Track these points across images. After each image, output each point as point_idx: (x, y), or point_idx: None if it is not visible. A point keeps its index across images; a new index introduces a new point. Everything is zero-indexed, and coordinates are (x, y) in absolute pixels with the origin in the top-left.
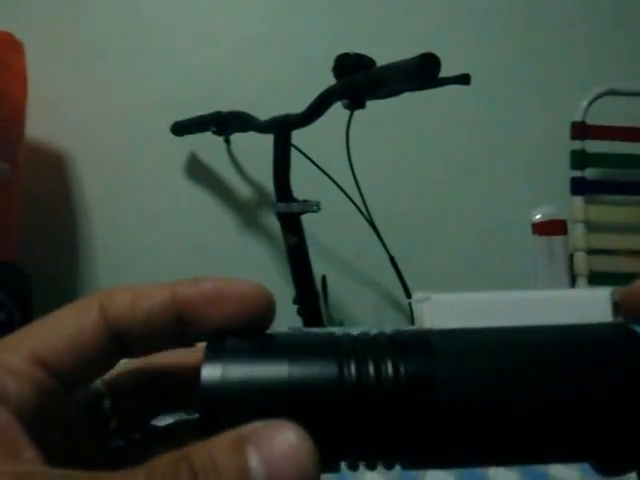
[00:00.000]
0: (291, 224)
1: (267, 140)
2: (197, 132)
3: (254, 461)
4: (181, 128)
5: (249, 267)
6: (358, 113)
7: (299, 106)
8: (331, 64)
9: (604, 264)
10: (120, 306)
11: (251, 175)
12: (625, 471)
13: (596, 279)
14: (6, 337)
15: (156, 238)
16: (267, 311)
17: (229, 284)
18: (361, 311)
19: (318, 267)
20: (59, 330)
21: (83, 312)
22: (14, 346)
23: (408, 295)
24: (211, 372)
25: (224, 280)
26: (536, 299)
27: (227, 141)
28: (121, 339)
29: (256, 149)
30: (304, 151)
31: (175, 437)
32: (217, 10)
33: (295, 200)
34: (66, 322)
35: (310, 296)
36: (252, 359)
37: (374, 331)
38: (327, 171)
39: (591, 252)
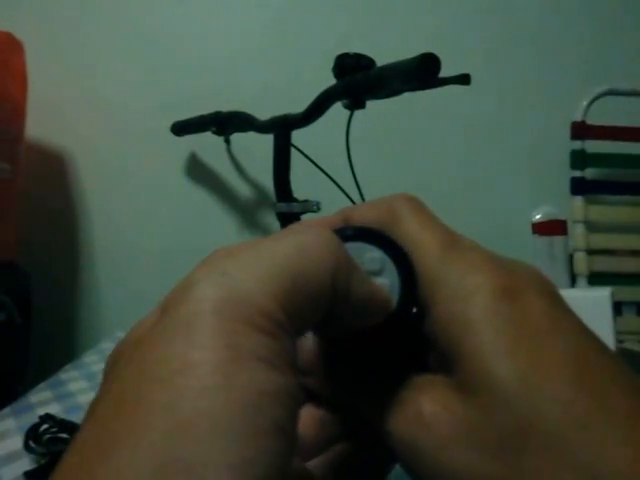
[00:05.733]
0: (291, 224)
1: (267, 140)
2: (197, 132)
3: None
4: (181, 128)
5: None
6: (358, 113)
7: (299, 106)
8: (331, 64)
9: (604, 264)
10: None
11: (251, 175)
12: None
13: (596, 279)
14: None
15: (156, 238)
16: None
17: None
18: None
19: None
20: None
21: None
22: None
23: None
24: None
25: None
26: None
27: (227, 141)
28: None
29: (256, 149)
30: (304, 151)
31: None
32: (217, 10)
33: (295, 200)
34: None
35: None
36: None
37: None
38: (327, 171)
39: (591, 252)
